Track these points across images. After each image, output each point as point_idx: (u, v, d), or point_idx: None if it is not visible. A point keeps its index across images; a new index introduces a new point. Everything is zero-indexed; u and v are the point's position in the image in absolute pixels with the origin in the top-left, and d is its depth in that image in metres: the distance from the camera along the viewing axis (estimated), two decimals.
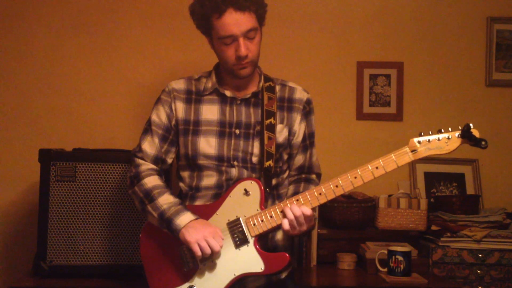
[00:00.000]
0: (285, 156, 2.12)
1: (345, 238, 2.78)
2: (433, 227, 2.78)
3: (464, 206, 2.85)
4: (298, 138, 2.12)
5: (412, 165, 3.10)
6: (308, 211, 1.89)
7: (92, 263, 2.46)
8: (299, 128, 2.11)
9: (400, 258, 2.49)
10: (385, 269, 2.53)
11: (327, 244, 2.77)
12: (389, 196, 2.86)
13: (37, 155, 2.47)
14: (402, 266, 2.48)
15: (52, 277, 2.43)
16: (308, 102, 2.14)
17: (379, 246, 2.63)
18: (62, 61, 3.03)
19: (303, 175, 2.18)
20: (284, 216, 1.90)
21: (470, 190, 3.09)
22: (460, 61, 3.15)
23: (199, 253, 1.88)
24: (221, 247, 1.91)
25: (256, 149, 2.04)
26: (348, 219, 2.77)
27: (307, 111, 2.13)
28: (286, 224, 1.89)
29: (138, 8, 3.06)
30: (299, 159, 2.15)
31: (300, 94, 2.13)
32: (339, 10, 3.12)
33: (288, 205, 1.91)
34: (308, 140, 2.15)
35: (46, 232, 2.43)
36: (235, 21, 1.92)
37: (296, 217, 1.88)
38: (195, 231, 1.89)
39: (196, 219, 1.93)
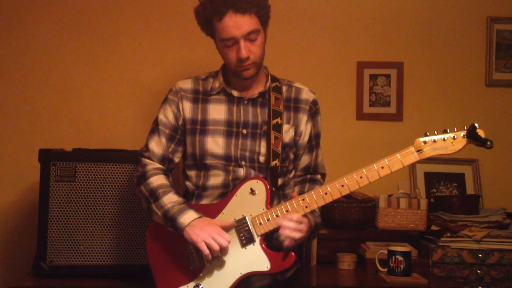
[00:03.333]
0: (291, 156, 2.12)
1: (345, 238, 2.78)
2: (433, 227, 2.78)
3: (464, 206, 2.85)
4: (305, 138, 2.12)
5: (412, 165, 3.10)
6: (294, 216, 1.91)
7: (92, 263, 2.46)
8: (306, 128, 2.12)
9: (400, 258, 2.49)
10: (385, 269, 2.53)
11: (327, 244, 2.77)
12: (389, 196, 2.86)
13: (37, 155, 2.47)
14: (402, 266, 2.48)
15: (52, 277, 2.42)
16: (315, 102, 2.15)
17: (379, 246, 2.63)
18: (62, 61, 3.03)
19: (308, 176, 2.18)
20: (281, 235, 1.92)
21: (470, 190, 3.09)
22: (460, 61, 3.15)
23: (207, 251, 1.88)
24: (228, 242, 1.91)
25: (263, 149, 2.05)
26: (348, 219, 2.77)
27: (314, 111, 2.14)
28: (287, 242, 1.91)
29: (139, 8, 3.06)
30: (305, 160, 2.15)
31: (306, 94, 2.14)
32: (339, 10, 3.12)
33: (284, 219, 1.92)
34: (314, 141, 2.15)
35: (46, 232, 2.43)
36: (235, 24, 1.93)
37: (292, 229, 1.90)
38: (200, 230, 1.89)
39: (200, 217, 1.93)
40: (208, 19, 1.98)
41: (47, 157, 2.46)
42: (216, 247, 1.88)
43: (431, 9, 3.14)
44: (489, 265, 2.65)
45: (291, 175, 2.14)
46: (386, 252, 2.53)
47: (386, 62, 3.12)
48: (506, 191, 3.12)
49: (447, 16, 3.14)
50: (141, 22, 3.06)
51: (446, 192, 3.10)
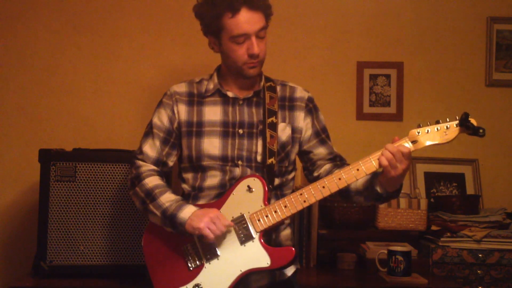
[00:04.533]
0: (293, 156, 2.12)
1: (345, 238, 2.78)
2: (433, 227, 2.78)
3: (464, 206, 2.85)
4: (307, 133, 2.12)
5: (412, 165, 3.10)
6: (405, 148, 1.86)
7: (92, 263, 2.46)
8: (305, 124, 2.11)
9: (400, 258, 2.49)
10: (385, 269, 2.53)
11: (327, 244, 2.77)
12: None
13: (37, 155, 2.47)
14: (402, 266, 2.48)
15: (52, 277, 2.42)
16: (310, 100, 2.15)
17: (379, 246, 2.64)
18: (62, 61, 3.03)
19: (338, 162, 2.14)
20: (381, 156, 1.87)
21: (470, 190, 3.09)
22: (460, 61, 3.15)
23: (211, 235, 1.89)
24: (227, 225, 1.92)
25: (260, 148, 2.05)
26: (348, 219, 2.77)
27: (311, 108, 2.14)
28: (384, 160, 1.85)
29: (139, 9, 3.06)
30: (321, 152, 2.13)
31: (300, 92, 2.15)
32: (339, 10, 3.12)
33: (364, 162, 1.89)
34: (323, 134, 2.14)
35: (46, 232, 2.43)
36: (249, 20, 1.94)
37: (393, 153, 1.85)
38: (200, 218, 1.90)
39: (198, 209, 1.94)
40: (217, 15, 1.97)
41: (47, 157, 2.46)
42: (218, 231, 1.89)
43: (431, 9, 3.14)
44: (489, 265, 2.65)
45: (290, 176, 2.14)
46: (386, 252, 2.53)
47: (386, 62, 3.12)
48: (506, 191, 3.12)
49: (447, 16, 3.14)
50: (141, 22, 3.06)
51: (446, 192, 3.10)
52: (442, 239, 2.68)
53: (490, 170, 3.13)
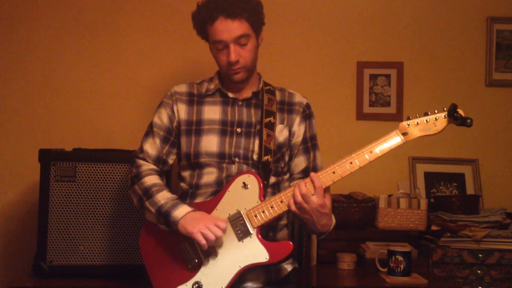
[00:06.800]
0: (287, 158, 2.13)
1: (345, 238, 2.78)
2: (433, 227, 2.78)
3: (464, 206, 2.85)
4: (298, 138, 2.14)
5: (412, 165, 3.10)
6: (302, 189, 1.87)
7: (92, 263, 2.46)
8: (298, 129, 2.14)
9: (400, 258, 2.49)
10: (385, 269, 2.53)
11: (327, 244, 2.77)
12: (389, 196, 2.86)
13: (37, 155, 2.47)
14: (402, 266, 2.48)
15: (52, 277, 2.42)
16: (308, 106, 2.18)
17: (379, 246, 2.63)
18: (62, 61, 3.03)
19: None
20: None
21: (470, 190, 3.10)
22: (460, 61, 3.15)
23: (203, 241, 1.89)
24: (224, 231, 1.91)
25: (256, 147, 2.07)
26: (348, 219, 2.77)
27: (307, 114, 2.16)
28: (292, 205, 1.89)
29: (139, 9, 3.06)
30: (300, 161, 2.15)
31: (299, 98, 2.18)
32: (339, 10, 3.13)
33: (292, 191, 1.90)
34: (310, 143, 2.17)
35: (46, 232, 2.43)
36: (225, 28, 1.99)
37: (302, 195, 1.87)
38: (195, 221, 1.91)
39: (193, 210, 1.95)
40: (202, 23, 2.05)
41: (47, 157, 2.46)
42: (212, 236, 1.89)
43: (431, 9, 3.15)
44: (489, 265, 2.65)
45: (286, 176, 2.15)
46: (386, 252, 2.53)
47: (386, 62, 3.13)
48: (506, 191, 3.12)
49: (447, 16, 3.15)
50: (141, 22, 3.06)
51: (446, 192, 3.10)
52: (442, 239, 2.68)
53: (490, 170, 3.13)
